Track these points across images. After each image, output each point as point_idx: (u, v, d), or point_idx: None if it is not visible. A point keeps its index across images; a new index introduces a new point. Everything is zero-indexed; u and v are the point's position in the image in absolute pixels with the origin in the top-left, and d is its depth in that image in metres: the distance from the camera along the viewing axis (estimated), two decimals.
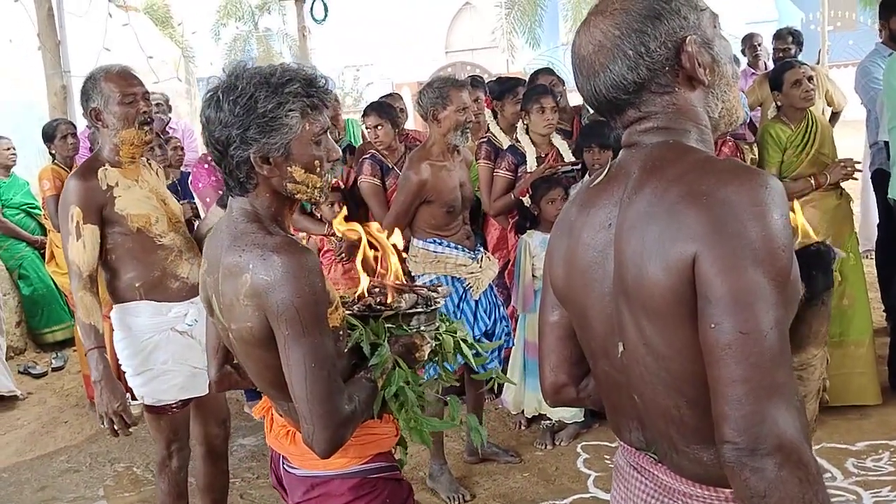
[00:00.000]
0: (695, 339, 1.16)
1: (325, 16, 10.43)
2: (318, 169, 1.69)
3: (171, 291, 2.87)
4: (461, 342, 1.93)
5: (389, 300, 1.85)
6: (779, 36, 6.04)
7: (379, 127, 4.30)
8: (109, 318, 2.88)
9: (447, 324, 1.95)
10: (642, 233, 1.20)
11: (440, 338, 1.89)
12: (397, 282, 1.91)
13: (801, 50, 5.97)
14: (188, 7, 18.73)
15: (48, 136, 5.34)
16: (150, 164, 3.01)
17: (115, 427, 2.69)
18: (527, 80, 5.18)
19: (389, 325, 1.81)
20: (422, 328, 1.84)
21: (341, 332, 1.72)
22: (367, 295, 1.88)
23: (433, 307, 1.87)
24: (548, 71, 5.16)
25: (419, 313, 1.84)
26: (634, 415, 1.36)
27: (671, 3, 1.27)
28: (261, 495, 3.80)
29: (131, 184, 2.81)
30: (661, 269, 1.17)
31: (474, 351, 1.97)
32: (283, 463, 1.86)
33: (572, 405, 1.63)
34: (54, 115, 6.13)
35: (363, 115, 4.57)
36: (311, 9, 10.43)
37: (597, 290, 1.32)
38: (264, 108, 1.61)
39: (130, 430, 2.74)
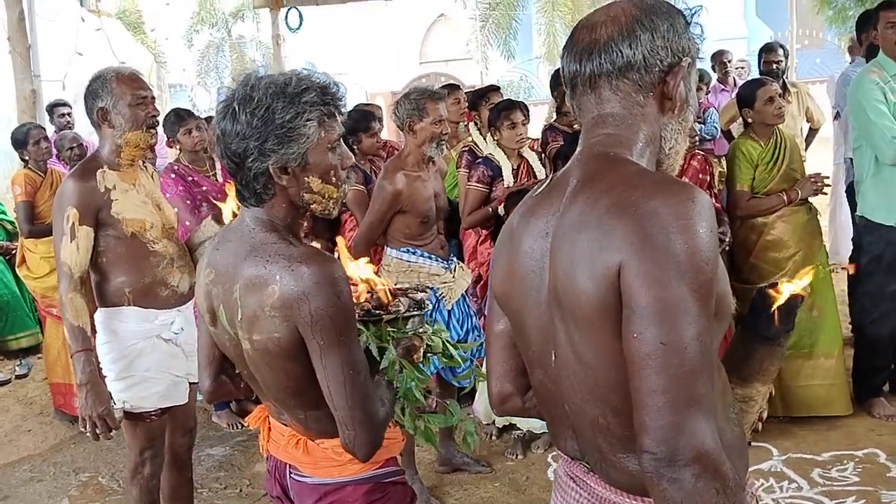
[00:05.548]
0: (619, 349, 1.17)
1: (300, 24, 10.38)
2: (334, 178, 1.69)
3: (160, 299, 2.85)
4: (446, 343, 1.97)
5: (387, 303, 1.88)
6: (770, 49, 5.91)
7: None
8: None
9: (431, 326, 2.00)
10: (573, 242, 1.22)
11: (431, 339, 1.93)
12: (386, 287, 1.94)
13: (787, 64, 5.97)
14: (161, 13, 18.59)
15: (20, 142, 5.23)
16: (146, 167, 2.98)
17: (98, 431, 2.66)
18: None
19: (390, 329, 1.84)
20: (418, 330, 1.89)
21: None
22: (361, 300, 1.90)
23: (425, 309, 1.92)
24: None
25: (414, 316, 1.88)
26: (568, 424, 1.37)
27: (687, 30, 1.33)
28: None
29: (129, 187, 2.80)
30: (589, 278, 1.18)
31: (458, 351, 2.01)
32: (291, 472, 1.84)
33: (518, 415, 1.63)
34: (23, 119, 6.03)
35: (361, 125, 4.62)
36: (286, 17, 10.37)
37: (533, 299, 1.33)
38: (282, 118, 1.60)
39: (112, 434, 2.71)
